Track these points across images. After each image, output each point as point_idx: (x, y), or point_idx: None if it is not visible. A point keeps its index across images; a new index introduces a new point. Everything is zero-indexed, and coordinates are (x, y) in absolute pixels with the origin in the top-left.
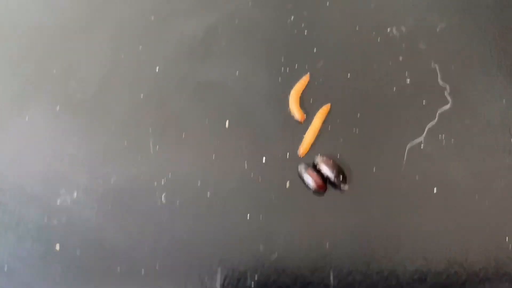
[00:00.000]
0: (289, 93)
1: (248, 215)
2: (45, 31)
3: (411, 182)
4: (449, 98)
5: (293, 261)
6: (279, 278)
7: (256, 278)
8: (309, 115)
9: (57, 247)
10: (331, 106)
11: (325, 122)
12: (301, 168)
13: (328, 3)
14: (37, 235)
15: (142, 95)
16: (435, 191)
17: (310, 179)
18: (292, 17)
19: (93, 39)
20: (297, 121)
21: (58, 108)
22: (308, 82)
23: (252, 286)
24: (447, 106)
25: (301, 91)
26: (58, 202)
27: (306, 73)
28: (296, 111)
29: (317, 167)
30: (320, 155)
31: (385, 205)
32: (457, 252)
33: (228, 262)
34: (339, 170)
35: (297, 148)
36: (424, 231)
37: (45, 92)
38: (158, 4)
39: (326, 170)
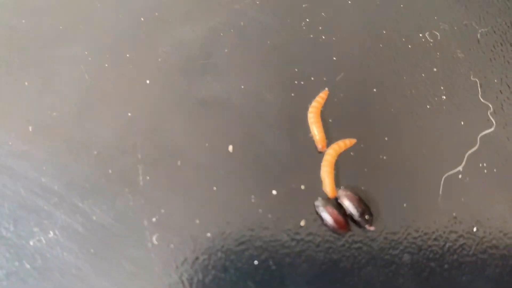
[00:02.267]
0: (304, 111)
1: (256, 261)
2: (17, 37)
3: (448, 219)
4: (492, 120)
5: None
6: None
7: None
8: (328, 140)
9: None
10: (354, 127)
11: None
12: (319, 204)
13: (350, 1)
14: (6, 283)
15: (129, 114)
16: (475, 230)
17: (329, 218)
18: (308, 19)
19: (72, 46)
20: (312, 145)
21: (30, 128)
22: (327, 98)
23: None
24: (490, 129)
25: (320, 110)
26: (31, 243)
27: (324, 86)
28: (320, 140)
29: (339, 201)
30: (342, 188)
31: (417, 247)
32: None
33: None
34: (364, 209)
35: (314, 178)
36: (463, 279)
37: (15, 109)
38: (150, 4)
39: (349, 207)
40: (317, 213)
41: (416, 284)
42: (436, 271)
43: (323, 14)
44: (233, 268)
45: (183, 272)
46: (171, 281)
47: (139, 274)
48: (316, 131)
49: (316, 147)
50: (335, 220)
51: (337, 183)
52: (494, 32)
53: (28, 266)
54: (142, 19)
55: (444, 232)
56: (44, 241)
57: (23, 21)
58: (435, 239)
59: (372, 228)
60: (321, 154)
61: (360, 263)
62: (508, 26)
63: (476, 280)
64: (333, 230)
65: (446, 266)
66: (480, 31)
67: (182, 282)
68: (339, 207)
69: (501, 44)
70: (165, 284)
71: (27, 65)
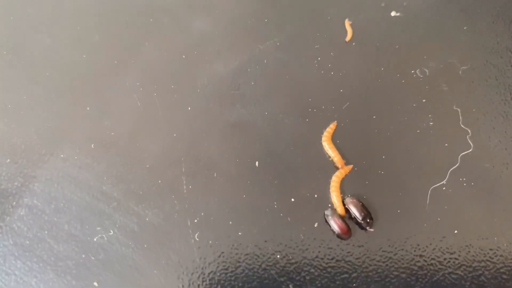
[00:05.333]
0: (316, 133)
1: (278, 255)
2: (79, 70)
3: (433, 223)
4: (470, 142)
5: None
6: None
7: None
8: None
9: (95, 283)
10: (357, 147)
11: (352, 163)
12: (328, 213)
13: (354, 43)
14: (75, 271)
15: (174, 134)
16: (455, 232)
17: (335, 226)
18: (319, 58)
19: (126, 78)
20: (323, 161)
21: (93, 146)
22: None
23: None
24: (469, 150)
25: (331, 137)
26: (95, 239)
27: (333, 113)
28: (338, 161)
29: (346, 206)
30: (349, 196)
31: (408, 245)
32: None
33: None
34: (366, 214)
35: (325, 188)
36: (445, 271)
37: (80, 130)
38: (190, 45)
39: (355, 212)
40: (326, 221)
41: (407, 275)
42: (423, 265)
43: (332, 53)
44: (259, 261)
45: (219, 262)
46: (209, 270)
47: (183, 264)
48: (333, 154)
49: (327, 163)
50: (340, 228)
51: (345, 192)
52: (473, 69)
53: (92, 258)
54: (184, 56)
55: (430, 233)
56: (105, 238)
57: (84, 56)
58: (422, 239)
59: (371, 230)
60: (329, 168)
61: (360, 258)
62: (484, 64)
63: (456, 273)
64: (337, 235)
65: (431, 260)
66: (461, 68)
67: (218, 270)
68: (347, 211)
69: (479, 79)
70: (205, 272)
71: (89, 94)
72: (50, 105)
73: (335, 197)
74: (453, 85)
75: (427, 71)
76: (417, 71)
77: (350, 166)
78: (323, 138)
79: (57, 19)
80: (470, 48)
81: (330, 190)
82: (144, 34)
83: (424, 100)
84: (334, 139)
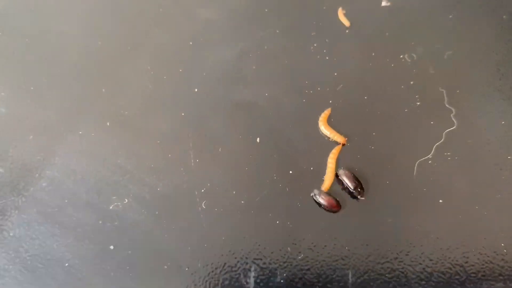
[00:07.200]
0: (312, 112)
1: (278, 221)
2: (95, 55)
3: (420, 193)
4: (454, 120)
5: (317, 261)
6: (304, 275)
7: (284, 275)
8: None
9: (111, 247)
10: (350, 125)
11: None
12: (315, 193)
13: (347, 31)
14: (93, 236)
15: (182, 113)
16: (440, 201)
17: (324, 202)
18: (315, 44)
19: (138, 62)
20: (319, 138)
21: (108, 123)
22: (330, 103)
23: (281, 281)
24: (453, 127)
25: (326, 121)
26: (111, 207)
27: (328, 94)
28: (337, 137)
29: (339, 177)
30: (342, 168)
31: (397, 213)
32: (458, 255)
33: (260, 261)
34: (358, 183)
35: (321, 161)
36: (431, 236)
37: (96, 109)
38: (196, 32)
39: (347, 182)
40: (315, 201)
41: (394, 242)
42: (412, 232)
43: (327, 40)
44: (259, 226)
45: (225, 228)
46: (215, 235)
47: (192, 229)
48: (331, 134)
49: (322, 139)
50: (329, 203)
51: (339, 165)
52: (457, 53)
53: (108, 224)
54: (191, 43)
55: (416, 203)
56: (120, 206)
57: (99, 42)
58: (409, 209)
59: (362, 198)
60: (324, 143)
61: (351, 228)
62: (468, 49)
63: (443, 238)
64: (328, 210)
65: (417, 227)
66: (446, 53)
67: (223, 235)
68: (340, 182)
69: (462, 62)
70: (211, 237)
71: (104, 77)
72: (69, 87)
73: (329, 173)
74: (439, 68)
75: (415, 55)
76: (405, 56)
77: (344, 139)
78: (320, 124)
79: (74, 9)
80: (454, 35)
81: (327, 171)
82: (154, 22)
83: (412, 82)
84: (329, 118)
